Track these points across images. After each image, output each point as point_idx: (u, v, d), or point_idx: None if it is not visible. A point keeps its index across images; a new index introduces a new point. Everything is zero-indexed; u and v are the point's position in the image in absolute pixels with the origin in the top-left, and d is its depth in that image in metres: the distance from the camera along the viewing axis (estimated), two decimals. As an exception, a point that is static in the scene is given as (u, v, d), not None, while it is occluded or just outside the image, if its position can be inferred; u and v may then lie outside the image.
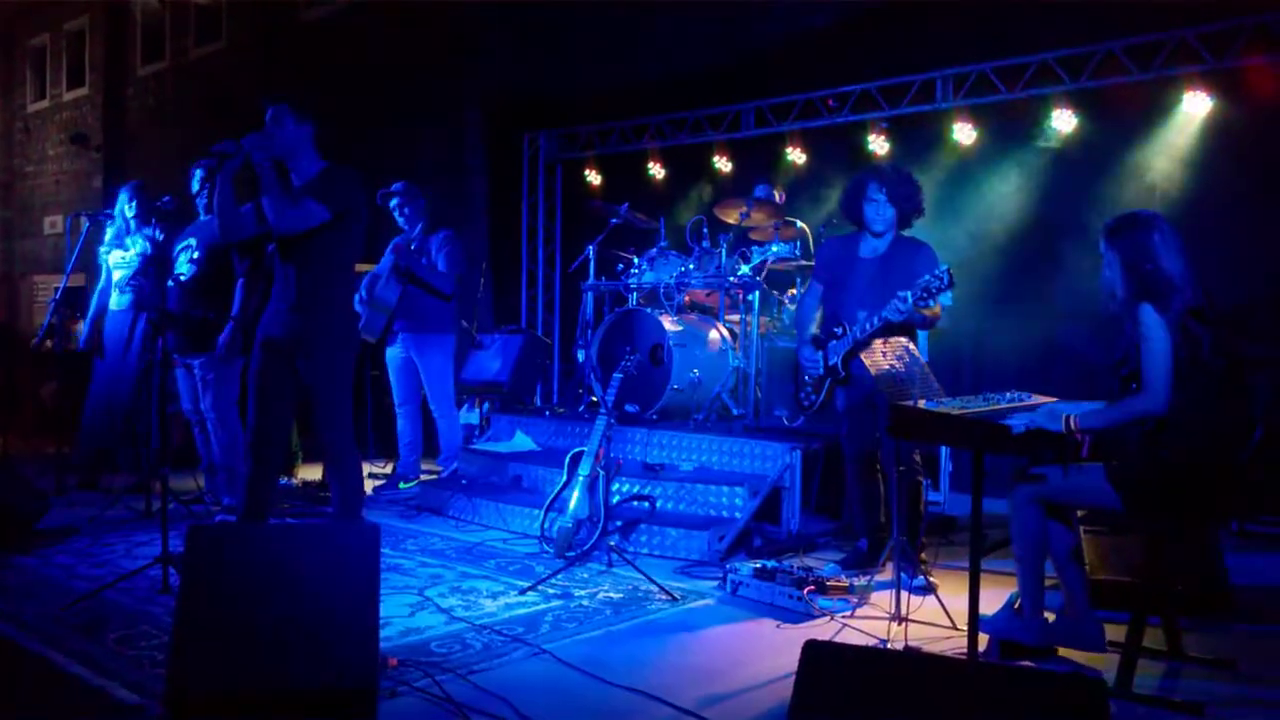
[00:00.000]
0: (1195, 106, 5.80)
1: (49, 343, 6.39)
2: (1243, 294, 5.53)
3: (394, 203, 6.46)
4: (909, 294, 4.16)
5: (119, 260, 6.26)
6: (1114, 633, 3.40)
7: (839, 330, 4.56)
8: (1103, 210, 5.82)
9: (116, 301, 6.31)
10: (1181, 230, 3.35)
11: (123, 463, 6.56)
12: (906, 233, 4.68)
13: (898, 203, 4.54)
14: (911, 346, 3.90)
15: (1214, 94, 5.75)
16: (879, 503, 4.69)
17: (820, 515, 5.55)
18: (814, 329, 4.74)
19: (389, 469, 6.99)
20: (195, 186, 5.72)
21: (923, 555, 4.49)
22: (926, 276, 4.11)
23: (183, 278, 5.66)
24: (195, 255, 5.71)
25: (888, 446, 4.46)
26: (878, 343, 3.92)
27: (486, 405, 7.38)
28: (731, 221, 6.43)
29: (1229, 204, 5.78)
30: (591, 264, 6.84)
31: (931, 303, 4.17)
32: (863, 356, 3.87)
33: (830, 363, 4.59)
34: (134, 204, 6.23)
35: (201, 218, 5.83)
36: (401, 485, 6.57)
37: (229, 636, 2.80)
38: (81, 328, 6.60)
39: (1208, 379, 3.21)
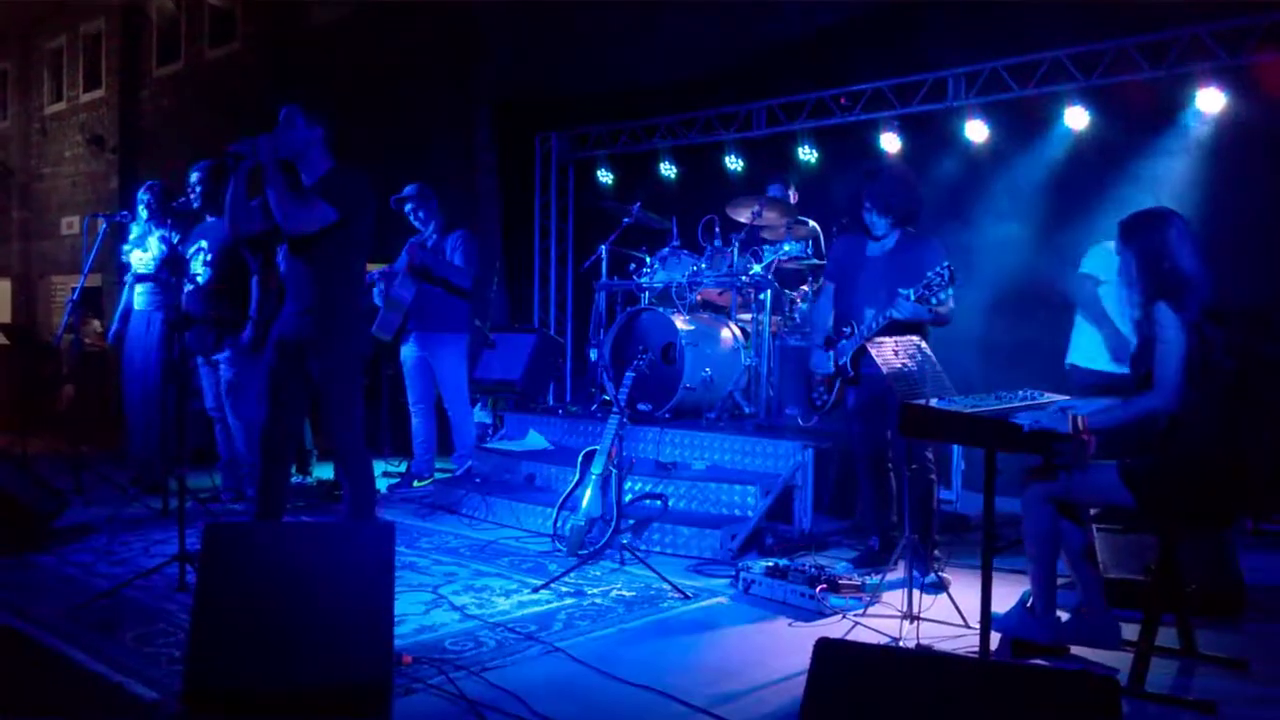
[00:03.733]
0: (1209, 103, 5.77)
1: (69, 339, 6.45)
2: (1258, 292, 5.50)
3: (408, 207, 6.49)
4: (911, 291, 4.17)
5: (140, 260, 6.33)
6: (1127, 631, 3.40)
7: (847, 330, 4.58)
8: (1115, 207, 5.80)
9: (138, 302, 6.38)
10: (1196, 228, 3.35)
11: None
12: (914, 228, 4.69)
13: (889, 211, 4.59)
14: (923, 345, 3.90)
15: (1228, 90, 5.72)
16: (891, 501, 4.70)
17: (833, 514, 5.56)
18: (829, 329, 4.75)
19: (404, 467, 7.02)
20: (197, 190, 5.77)
21: (935, 553, 4.49)
22: (929, 273, 4.13)
23: (199, 279, 5.73)
24: (208, 258, 5.78)
25: (899, 445, 4.46)
26: (889, 341, 3.91)
27: (500, 404, 7.40)
28: (743, 220, 6.43)
29: (1243, 201, 5.75)
30: (604, 263, 6.86)
31: (934, 300, 4.16)
32: (874, 355, 3.86)
33: (840, 362, 4.61)
34: (147, 206, 6.29)
35: (208, 220, 5.90)
36: (416, 483, 6.60)
37: (245, 634, 2.83)
38: (96, 326, 6.65)
39: (1221, 379, 3.20)
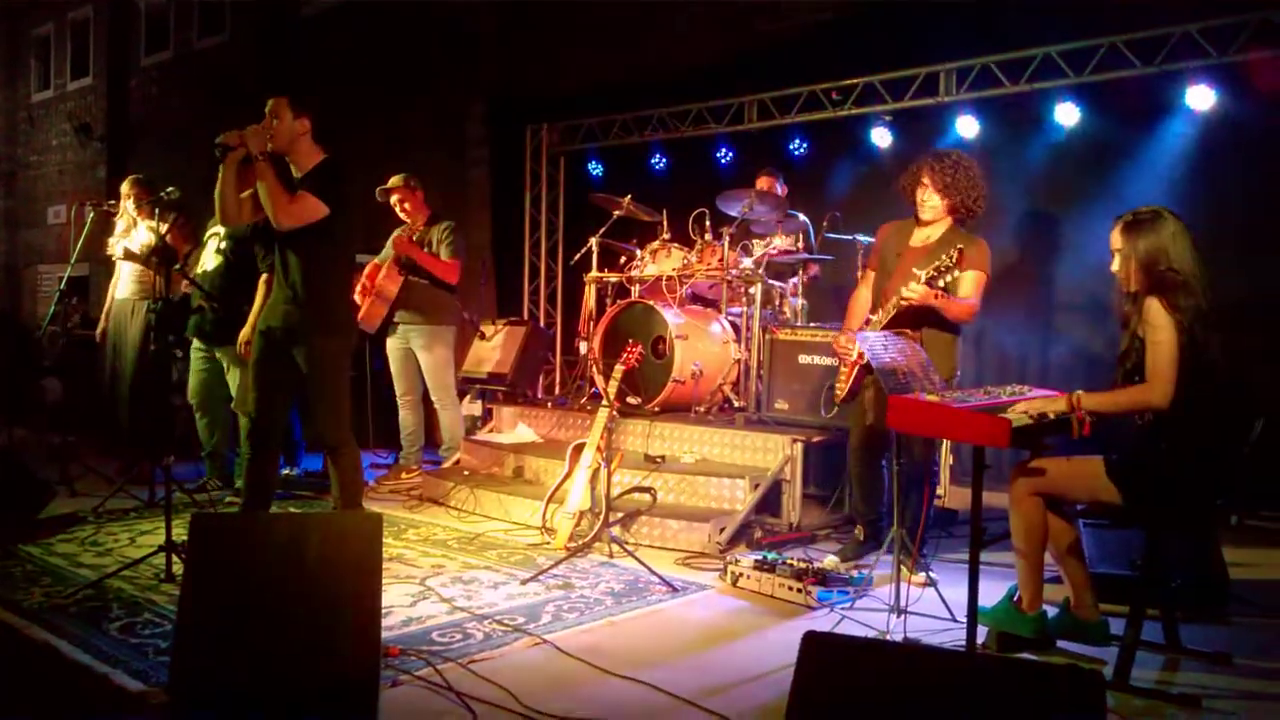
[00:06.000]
0: (1198, 100, 5.79)
1: (55, 330, 6.42)
2: (1247, 287, 5.53)
3: (393, 198, 6.47)
4: (922, 273, 4.09)
5: (126, 251, 6.30)
6: (1112, 626, 3.42)
7: (874, 319, 4.48)
8: (1106, 204, 5.83)
9: (122, 292, 6.35)
10: (1186, 223, 3.35)
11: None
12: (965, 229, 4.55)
13: (947, 193, 4.43)
14: (914, 339, 3.90)
15: (1217, 88, 5.74)
16: (880, 495, 4.68)
17: (822, 508, 5.56)
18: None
19: (392, 460, 7.01)
20: None
21: (922, 550, 4.48)
22: (941, 255, 4.06)
23: (209, 267, 5.72)
24: (222, 245, 5.76)
25: (901, 440, 4.43)
26: (876, 335, 3.90)
27: (488, 396, 7.40)
28: (734, 214, 6.44)
29: (1232, 197, 5.78)
30: (594, 256, 6.85)
31: (943, 282, 4.04)
32: (863, 347, 3.86)
33: (861, 349, 4.52)
34: (132, 198, 6.24)
35: None
36: (403, 475, 6.59)
37: (232, 625, 2.82)
38: (79, 319, 6.62)
39: (1211, 378, 3.21)
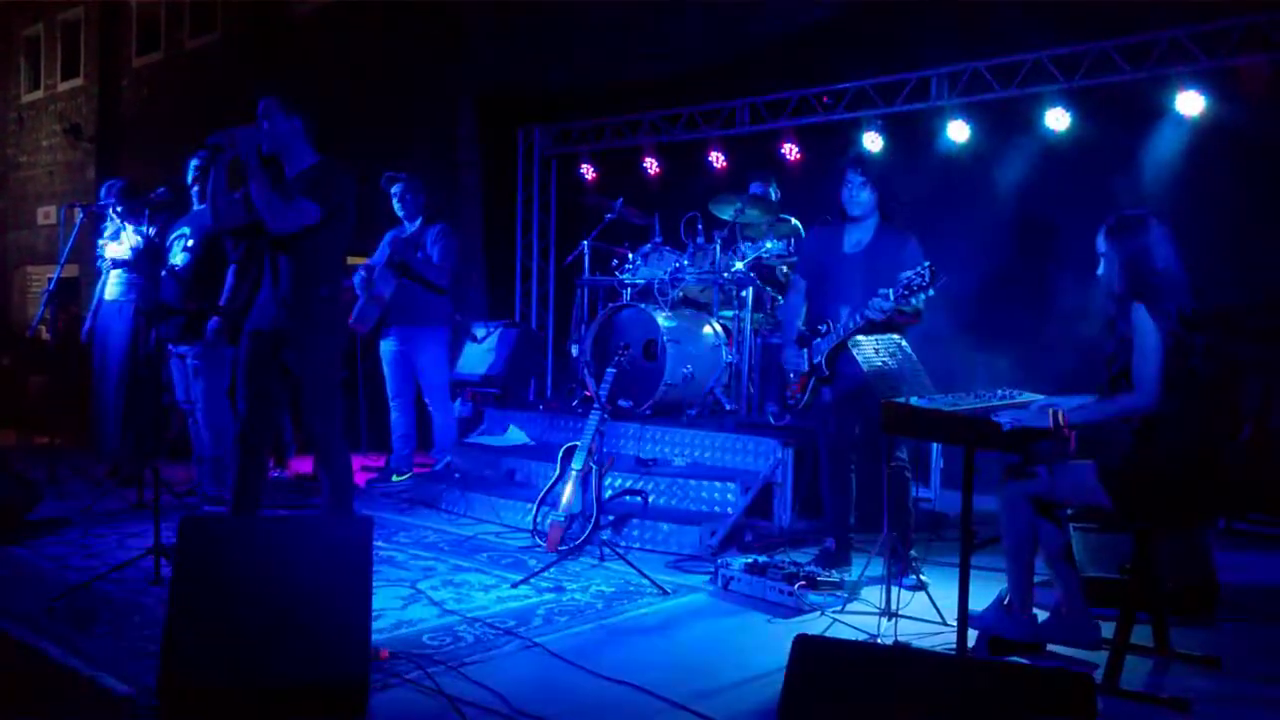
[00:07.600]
0: (1188, 105, 5.81)
1: (43, 332, 6.39)
2: (1234, 293, 5.55)
3: (396, 188, 6.45)
4: (891, 291, 4.11)
5: (114, 254, 6.27)
6: (1102, 629, 3.42)
7: (823, 328, 4.50)
8: (1095, 208, 5.81)
9: (111, 292, 6.33)
10: (1174, 228, 3.36)
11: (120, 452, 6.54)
12: (891, 223, 4.60)
13: (876, 186, 4.48)
14: (903, 344, 3.91)
15: (1206, 93, 5.76)
16: (850, 504, 4.67)
17: (811, 512, 5.56)
18: (800, 325, 4.68)
19: (383, 463, 6.99)
20: (190, 177, 5.74)
21: (912, 553, 4.48)
22: (909, 273, 4.06)
23: (177, 267, 5.68)
24: (189, 244, 5.73)
25: (874, 443, 4.44)
26: (869, 340, 3.91)
27: (481, 398, 7.39)
28: (726, 218, 6.44)
29: (1221, 202, 5.80)
30: (586, 259, 6.85)
31: (914, 300, 4.11)
32: (854, 354, 3.86)
33: (814, 360, 4.54)
34: (118, 202, 6.21)
35: (195, 208, 5.85)
36: (395, 478, 6.57)
37: (221, 628, 2.81)
38: (68, 320, 6.59)
39: (1197, 383, 3.22)
